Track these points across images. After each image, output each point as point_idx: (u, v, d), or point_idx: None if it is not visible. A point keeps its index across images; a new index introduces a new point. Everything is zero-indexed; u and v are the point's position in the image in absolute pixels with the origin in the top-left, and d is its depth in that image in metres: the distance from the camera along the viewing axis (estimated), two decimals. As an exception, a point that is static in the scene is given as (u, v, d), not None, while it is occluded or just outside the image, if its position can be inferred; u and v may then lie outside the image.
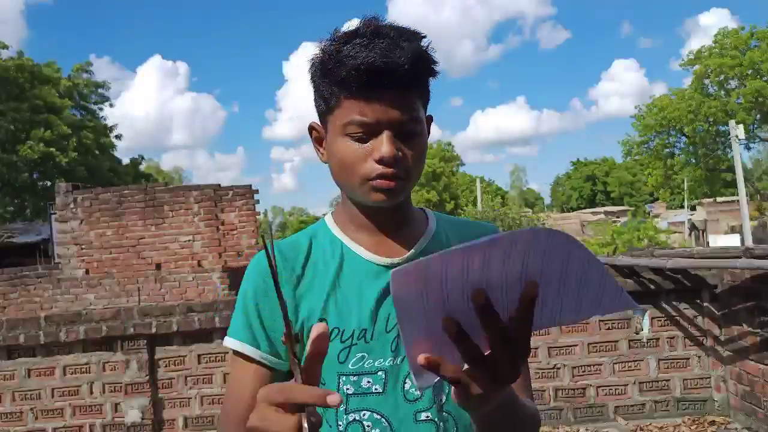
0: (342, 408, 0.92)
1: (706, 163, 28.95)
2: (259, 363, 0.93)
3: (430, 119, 0.98)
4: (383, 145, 0.87)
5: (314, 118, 0.99)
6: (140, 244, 9.96)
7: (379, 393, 0.92)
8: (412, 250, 0.97)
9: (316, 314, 0.93)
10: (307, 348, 0.63)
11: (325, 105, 0.93)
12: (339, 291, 0.94)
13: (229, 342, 0.96)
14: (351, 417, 0.91)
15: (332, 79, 0.89)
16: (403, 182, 0.90)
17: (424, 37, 0.90)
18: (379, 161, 0.87)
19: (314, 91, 0.95)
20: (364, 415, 0.92)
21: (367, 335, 0.92)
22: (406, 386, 0.92)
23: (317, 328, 0.63)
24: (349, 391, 0.91)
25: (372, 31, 0.86)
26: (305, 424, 0.58)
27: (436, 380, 0.68)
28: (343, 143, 0.90)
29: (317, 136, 0.98)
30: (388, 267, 0.94)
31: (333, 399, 0.58)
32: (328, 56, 0.88)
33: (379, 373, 0.92)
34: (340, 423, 0.92)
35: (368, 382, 0.92)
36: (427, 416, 0.93)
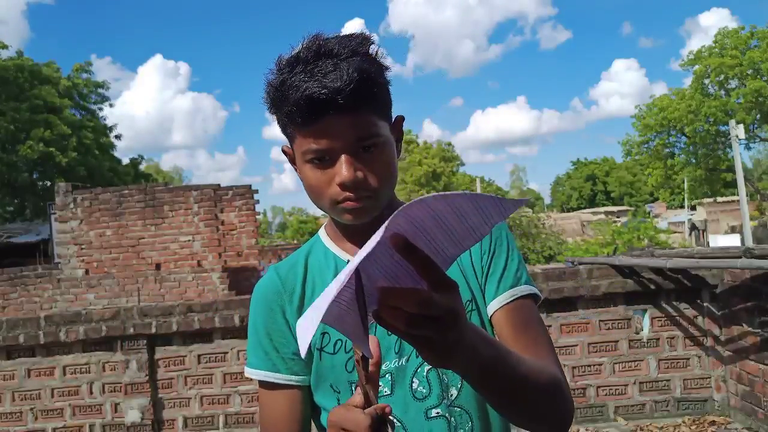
0: None
1: (706, 163, 28.92)
2: (283, 386, 0.98)
3: (399, 120, 0.99)
4: (343, 170, 0.88)
5: None
6: (140, 244, 9.96)
7: (388, 395, 0.95)
8: None
9: (320, 329, 0.95)
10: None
11: (285, 134, 0.96)
12: None
13: (251, 373, 1.01)
14: None
15: (281, 112, 0.90)
16: (369, 200, 0.91)
17: (373, 42, 0.90)
18: (341, 186, 0.89)
19: (276, 121, 0.96)
20: None
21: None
22: (414, 385, 0.95)
23: (372, 340, 0.69)
24: None
25: (314, 53, 0.86)
26: None
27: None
28: (308, 171, 0.92)
29: (291, 158, 0.99)
30: None
31: (389, 410, 0.70)
32: (274, 89, 0.90)
33: (386, 375, 0.95)
34: None
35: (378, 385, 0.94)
36: (438, 412, 0.94)
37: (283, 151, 1.02)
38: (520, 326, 0.95)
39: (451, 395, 0.95)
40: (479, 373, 0.73)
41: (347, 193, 0.89)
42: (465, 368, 0.71)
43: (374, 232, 0.62)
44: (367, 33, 0.91)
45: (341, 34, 0.90)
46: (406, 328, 0.62)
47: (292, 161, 0.99)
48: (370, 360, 0.68)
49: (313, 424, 1.03)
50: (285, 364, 0.98)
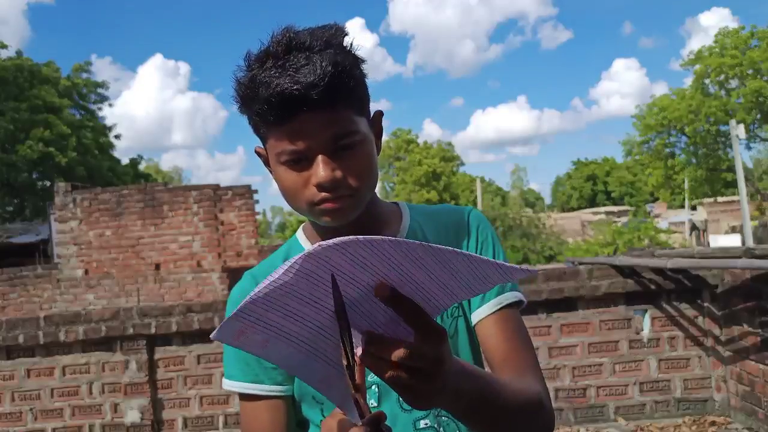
0: None
1: (706, 162, 28.91)
2: (266, 396, 0.94)
3: (378, 115, 0.94)
4: (319, 170, 0.83)
5: None
6: (139, 244, 9.96)
7: (374, 407, 0.92)
8: None
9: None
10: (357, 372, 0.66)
11: (257, 135, 0.91)
12: None
13: (231, 385, 0.95)
14: None
15: (251, 111, 0.85)
16: (349, 199, 0.86)
17: (347, 34, 0.86)
18: (318, 187, 0.84)
19: (247, 121, 0.91)
20: None
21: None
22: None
23: (359, 353, 0.66)
24: None
25: (285, 47, 0.81)
26: None
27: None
28: (283, 172, 0.87)
29: (265, 159, 0.95)
30: None
31: (384, 416, 0.67)
32: (244, 87, 0.84)
33: (372, 387, 0.92)
34: None
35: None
36: (426, 423, 0.93)
37: (257, 153, 0.96)
38: (505, 338, 0.94)
39: None
40: (463, 410, 0.73)
41: (325, 194, 0.84)
42: (449, 408, 0.72)
43: (354, 233, 0.61)
44: (340, 24, 0.87)
45: (313, 27, 0.85)
46: (388, 376, 0.62)
47: (266, 162, 0.94)
48: (356, 367, 0.65)
49: None
50: (267, 374, 0.93)
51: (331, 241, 0.59)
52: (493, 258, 0.97)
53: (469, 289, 0.65)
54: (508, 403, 0.79)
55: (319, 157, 0.83)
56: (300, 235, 1.01)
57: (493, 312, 0.95)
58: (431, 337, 0.62)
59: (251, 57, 0.85)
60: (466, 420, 0.77)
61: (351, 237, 0.59)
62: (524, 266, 0.64)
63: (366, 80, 0.90)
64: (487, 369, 0.91)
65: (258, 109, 0.83)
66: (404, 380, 0.62)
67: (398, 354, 0.61)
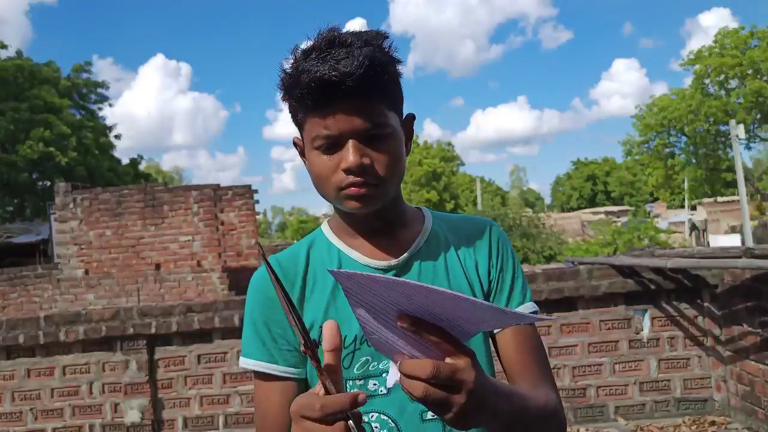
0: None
1: (706, 162, 28.90)
2: (280, 378, 0.96)
3: (410, 118, 1.00)
4: (349, 155, 0.88)
5: None
6: (140, 244, 9.95)
7: (384, 395, 0.94)
8: (407, 252, 0.99)
9: (318, 322, 0.95)
10: (323, 347, 0.69)
11: (296, 121, 0.97)
12: (338, 298, 0.96)
13: (246, 363, 0.99)
14: None
15: (293, 97, 0.92)
16: (375, 188, 0.91)
17: (387, 37, 0.92)
18: (346, 171, 0.89)
19: (288, 108, 0.98)
20: (372, 416, 0.94)
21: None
22: None
23: (327, 326, 0.70)
24: None
25: (327, 42, 0.88)
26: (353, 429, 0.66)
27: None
28: (315, 157, 0.93)
29: (301, 149, 1.00)
30: (385, 270, 0.97)
31: (362, 398, 0.65)
32: (288, 75, 0.91)
33: (384, 375, 0.94)
34: None
35: (374, 384, 0.95)
36: (433, 415, 0.94)
37: (294, 143, 1.02)
38: (524, 349, 0.99)
39: None
40: (498, 428, 0.78)
41: (352, 178, 0.89)
42: (487, 426, 0.76)
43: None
44: (383, 30, 0.93)
45: (357, 30, 0.92)
46: (423, 396, 0.66)
47: (302, 153, 1.00)
48: (323, 347, 0.69)
49: None
50: (282, 355, 0.96)
51: (360, 275, 0.65)
52: (514, 278, 1.03)
53: (482, 324, 0.69)
54: (533, 415, 0.84)
55: (350, 142, 0.89)
56: (325, 228, 1.05)
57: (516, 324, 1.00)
58: (460, 354, 0.67)
59: (298, 50, 0.92)
60: None
61: (375, 275, 0.64)
62: (537, 314, 0.70)
63: (401, 82, 0.96)
64: (504, 378, 0.96)
65: (298, 94, 0.89)
66: (439, 397, 0.66)
67: (430, 371, 0.65)
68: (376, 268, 0.97)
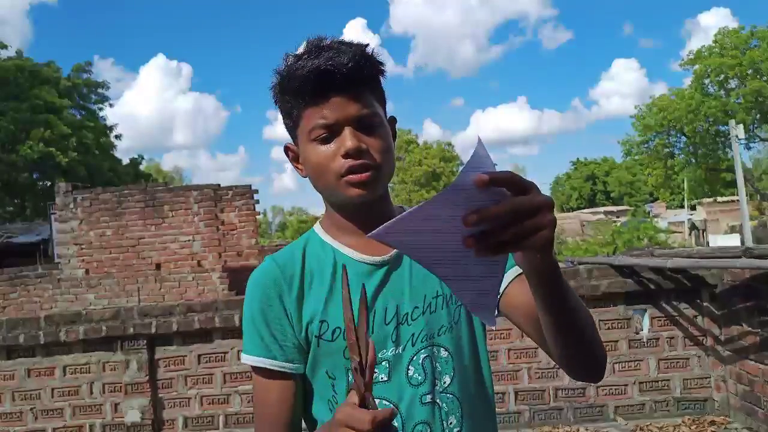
0: None
1: (706, 163, 28.91)
2: (278, 373, 0.99)
3: (393, 120, 1.05)
4: (347, 139, 0.94)
5: None
6: (140, 244, 9.96)
7: (385, 381, 0.98)
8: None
9: (318, 317, 0.99)
10: (369, 358, 0.75)
11: (291, 121, 1.01)
12: (336, 293, 0.99)
13: (247, 359, 1.02)
14: None
15: (289, 93, 0.98)
16: (375, 172, 0.96)
17: (368, 45, 0.99)
18: (346, 155, 0.94)
19: (281, 113, 1.03)
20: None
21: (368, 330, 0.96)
22: (410, 372, 0.99)
23: (371, 343, 0.76)
24: None
25: (317, 47, 0.95)
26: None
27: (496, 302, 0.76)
28: (313, 149, 0.97)
29: (293, 155, 1.05)
30: (379, 264, 1.01)
31: (393, 416, 0.76)
32: (282, 76, 0.98)
33: (383, 363, 0.98)
34: None
35: (374, 372, 0.97)
36: (431, 398, 0.99)
37: (286, 149, 1.06)
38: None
39: (444, 382, 1.00)
40: (555, 270, 0.78)
41: (352, 162, 0.94)
42: (555, 269, 0.78)
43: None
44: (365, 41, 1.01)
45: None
46: (522, 228, 0.68)
47: (294, 159, 1.05)
48: (367, 368, 0.74)
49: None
50: (282, 351, 0.99)
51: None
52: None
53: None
54: (577, 300, 0.86)
55: (347, 129, 0.94)
56: (318, 228, 1.09)
57: (518, 275, 1.00)
58: (529, 186, 0.69)
59: (289, 56, 0.98)
60: (555, 289, 0.80)
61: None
62: (492, 317, 0.76)
63: (383, 87, 1.03)
64: (524, 326, 1.01)
65: (296, 86, 0.95)
66: (537, 220, 0.69)
67: (521, 203, 0.67)
68: (370, 264, 1.01)
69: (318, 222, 1.10)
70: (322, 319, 0.98)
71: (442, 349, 1.00)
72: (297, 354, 1.00)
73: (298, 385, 1.01)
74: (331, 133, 0.95)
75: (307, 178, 1.03)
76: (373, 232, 0.66)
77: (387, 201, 1.05)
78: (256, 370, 1.01)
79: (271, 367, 0.99)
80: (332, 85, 0.93)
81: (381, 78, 1.01)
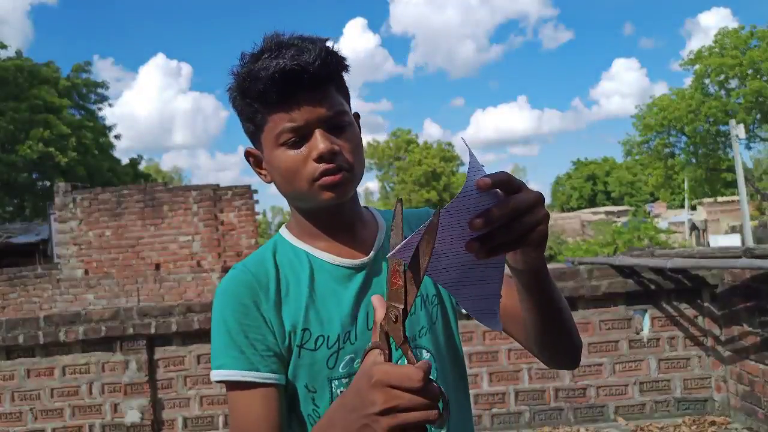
0: None
1: (706, 162, 28.88)
2: (261, 385, 0.91)
3: (357, 116, 1.00)
4: (318, 142, 0.89)
5: None
6: (139, 244, 9.96)
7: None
8: (373, 250, 1.00)
9: (300, 326, 0.93)
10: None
11: (253, 126, 0.95)
12: (316, 299, 0.95)
13: (223, 374, 0.93)
14: None
15: (252, 96, 0.91)
16: (348, 173, 0.92)
17: (328, 39, 0.94)
18: (319, 159, 0.89)
19: (239, 117, 0.97)
20: None
21: (351, 337, 0.95)
22: None
23: (376, 299, 0.73)
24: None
25: (276, 44, 0.90)
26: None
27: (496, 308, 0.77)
28: (281, 154, 0.91)
29: (255, 160, 0.99)
30: (358, 268, 0.97)
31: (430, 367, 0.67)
32: (242, 77, 0.91)
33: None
34: None
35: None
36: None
37: (247, 154, 1.00)
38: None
39: (419, 337, 0.99)
40: (545, 264, 0.81)
41: (325, 166, 0.89)
42: (543, 263, 0.80)
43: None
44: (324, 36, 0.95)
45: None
46: (521, 218, 0.70)
47: (256, 164, 0.99)
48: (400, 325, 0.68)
49: None
50: (264, 362, 0.91)
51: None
52: None
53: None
54: (560, 294, 0.90)
55: (317, 132, 0.90)
56: (284, 232, 1.03)
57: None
58: (522, 186, 0.71)
59: (246, 56, 0.92)
60: (542, 282, 0.83)
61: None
62: (498, 322, 0.76)
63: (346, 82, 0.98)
64: (510, 325, 1.02)
65: (260, 89, 0.88)
66: (534, 216, 0.70)
67: (520, 202, 0.69)
68: (348, 267, 0.97)
69: (284, 227, 1.04)
70: (304, 327, 0.93)
71: (424, 350, 0.98)
72: (279, 364, 0.92)
73: (281, 396, 0.92)
74: (301, 136, 0.90)
75: (272, 184, 0.98)
76: (391, 252, 0.66)
77: (356, 202, 1.01)
78: (236, 386, 0.92)
79: (255, 380, 0.90)
80: (299, 86, 0.87)
81: (345, 73, 0.96)
